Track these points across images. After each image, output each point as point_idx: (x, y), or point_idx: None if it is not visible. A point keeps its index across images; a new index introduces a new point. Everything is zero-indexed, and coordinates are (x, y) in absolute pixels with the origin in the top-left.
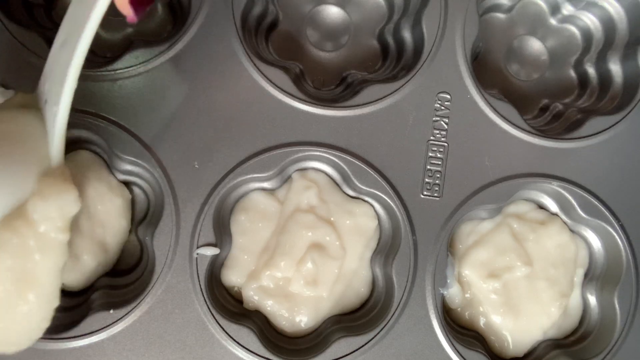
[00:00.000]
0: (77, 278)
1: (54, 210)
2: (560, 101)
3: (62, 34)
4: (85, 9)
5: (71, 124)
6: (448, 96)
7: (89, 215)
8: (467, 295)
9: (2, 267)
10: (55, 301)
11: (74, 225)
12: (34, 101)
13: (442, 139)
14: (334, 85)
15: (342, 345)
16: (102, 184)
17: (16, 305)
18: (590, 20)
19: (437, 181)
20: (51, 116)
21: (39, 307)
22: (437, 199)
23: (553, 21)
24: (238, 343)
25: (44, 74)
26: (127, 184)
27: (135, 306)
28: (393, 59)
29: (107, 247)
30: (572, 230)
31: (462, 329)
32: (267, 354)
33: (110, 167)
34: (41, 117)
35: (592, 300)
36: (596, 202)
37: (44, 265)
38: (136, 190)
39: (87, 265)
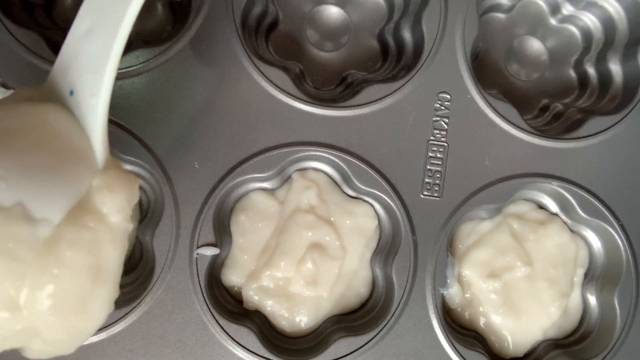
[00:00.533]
0: None
1: (123, 201)
2: (560, 101)
3: (85, 21)
4: None
5: None
6: (448, 96)
7: None
8: (467, 295)
9: (79, 264)
10: (117, 292)
11: None
12: (47, 93)
13: (442, 139)
14: (334, 85)
15: (342, 345)
16: None
17: (91, 299)
18: (590, 20)
19: (437, 181)
20: (89, 107)
21: (108, 299)
22: (437, 199)
23: (553, 21)
24: (238, 343)
25: (61, 64)
26: None
27: (135, 306)
28: (393, 59)
29: None
30: (572, 230)
31: (462, 329)
32: (267, 354)
33: None
34: (64, 109)
35: (592, 300)
36: (596, 202)
37: (115, 256)
38: None
39: None
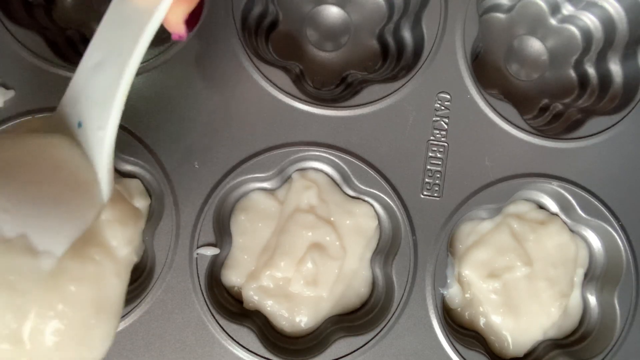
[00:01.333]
0: None
1: (134, 234)
2: (560, 101)
3: (95, 54)
4: (130, 31)
5: None
6: (448, 96)
7: None
8: (467, 295)
9: (84, 299)
10: (119, 322)
11: None
12: (55, 124)
13: (442, 139)
14: (334, 85)
15: (342, 345)
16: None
17: (94, 333)
18: (590, 20)
19: (437, 181)
20: (95, 140)
21: (111, 331)
22: (437, 199)
23: (553, 21)
24: (238, 343)
25: (71, 96)
26: None
27: (135, 306)
28: (393, 59)
29: None
30: (572, 230)
31: (462, 329)
32: (267, 354)
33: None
34: (71, 140)
35: (592, 300)
36: (596, 202)
37: (119, 289)
38: None
39: None
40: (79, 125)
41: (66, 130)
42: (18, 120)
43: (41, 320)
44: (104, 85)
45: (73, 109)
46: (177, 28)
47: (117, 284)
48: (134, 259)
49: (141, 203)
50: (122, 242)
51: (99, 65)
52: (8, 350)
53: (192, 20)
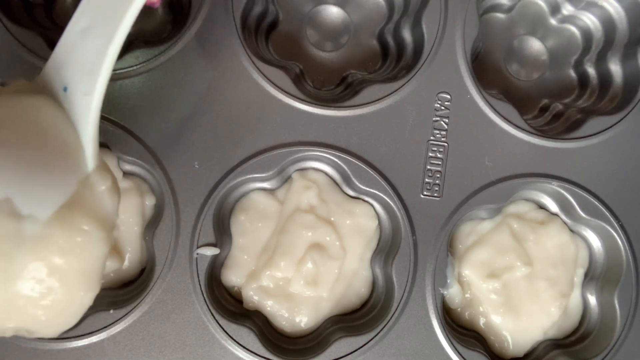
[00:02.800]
0: None
1: (118, 204)
2: (560, 101)
3: (83, 19)
4: None
5: None
6: (448, 96)
7: None
8: (467, 295)
9: (69, 267)
10: (99, 286)
11: None
12: (40, 87)
13: (442, 139)
14: (334, 85)
15: (342, 345)
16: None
17: (76, 297)
18: (590, 20)
19: (437, 181)
20: (81, 105)
21: (92, 296)
22: (437, 199)
23: (553, 21)
24: (238, 343)
25: (56, 60)
26: None
27: (135, 306)
28: (393, 59)
29: (122, 254)
30: (572, 230)
31: (462, 329)
32: (267, 354)
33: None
34: (53, 102)
35: (592, 300)
36: (596, 202)
37: (104, 256)
38: None
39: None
40: (65, 89)
41: (51, 93)
42: (8, 85)
43: (27, 285)
44: (91, 51)
45: (58, 73)
46: None
47: (103, 254)
48: (115, 229)
49: (149, 201)
50: (110, 212)
51: (87, 30)
52: None
53: None
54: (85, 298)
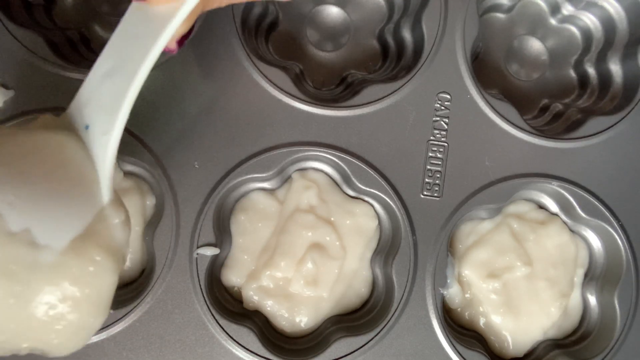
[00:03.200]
0: None
1: (130, 236)
2: (560, 101)
3: (106, 62)
4: (142, 41)
5: None
6: (448, 96)
7: None
8: (467, 295)
9: (80, 296)
10: (108, 313)
11: None
12: (63, 123)
13: (442, 139)
14: (334, 85)
15: (342, 345)
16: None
17: (85, 323)
18: (590, 20)
19: (437, 181)
20: (100, 144)
21: (100, 322)
22: (437, 199)
23: (553, 21)
24: (238, 343)
25: (81, 99)
26: None
27: (135, 306)
28: (393, 59)
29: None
30: (572, 230)
31: (462, 329)
32: (267, 354)
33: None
34: (75, 138)
35: (592, 300)
36: (596, 202)
37: (114, 285)
38: None
39: None
40: (86, 127)
41: (74, 130)
42: (31, 116)
43: (41, 309)
44: (112, 93)
45: (81, 112)
46: (170, 45)
47: (113, 283)
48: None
49: (149, 201)
50: (122, 244)
51: (109, 73)
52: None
53: (183, 39)
54: (95, 323)
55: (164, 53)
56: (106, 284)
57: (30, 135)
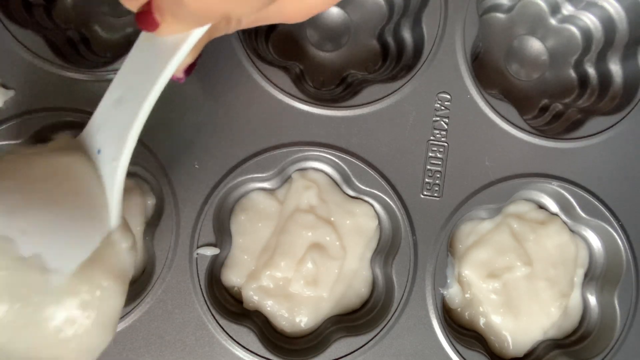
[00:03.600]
0: None
1: (136, 258)
2: (560, 101)
3: (117, 90)
4: (147, 75)
5: (71, 124)
6: (448, 96)
7: None
8: (467, 295)
9: (87, 319)
10: (115, 332)
11: None
12: (77, 146)
13: (442, 139)
14: (334, 85)
15: (342, 345)
16: None
17: (92, 343)
18: (590, 20)
19: (437, 181)
20: (110, 169)
21: (107, 341)
22: (437, 199)
23: (553, 21)
24: (238, 343)
25: (94, 124)
26: None
27: (135, 306)
28: (393, 59)
29: None
30: (572, 230)
31: (462, 329)
32: (267, 354)
33: None
34: (88, 162)
35: (592, 300)
36: (596, 202)
37: (121, 306)
38: None
39: None
40: (98, 152)
41: (88, 153)
42: (52, 142)
43: (50, 331)
44: (120, 121)
45: (94, 136)
46: (177, 73)
47: (120, 305)
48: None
49: (149, 201)
50: (128, 268)
51: (119, 101)
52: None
53: (190, 68)
54: (102, 344)
55: (171, 81)
56: (113, 307)
57: (47, 159)
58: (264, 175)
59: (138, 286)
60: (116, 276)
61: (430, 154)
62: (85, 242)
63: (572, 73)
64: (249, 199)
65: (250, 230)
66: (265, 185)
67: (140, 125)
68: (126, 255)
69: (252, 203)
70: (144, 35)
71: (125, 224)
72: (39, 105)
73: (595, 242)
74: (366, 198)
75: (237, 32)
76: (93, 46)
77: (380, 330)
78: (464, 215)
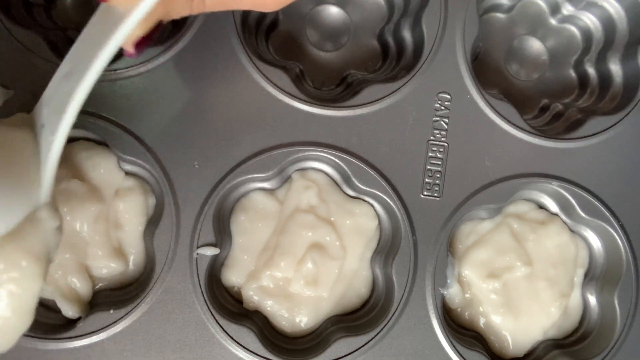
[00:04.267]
0: (88, 290)
1: (60, 240)
2: (560, 101)
3: (67, 65)
4: (94, 46)
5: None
6: (448, 96)
7: (106, 217)
8: (467, 295)
9: (3, 301)
10: (33, 316)
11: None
12: (30, 121)
13: (442, 139)
14: (334, 85)
15: (342, 345)
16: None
17: (8, 327)
18: (590, 20)
19: (437, 181)
20: (46, 144)
21: (25, 326)
22: (437, 199)
23: (553, 21)
24: (238, 343)
25: (43, 98)
26: None
27: (135, 306)
28: (393, 59)
29: (126, 256)
30: (572, 230)
31: (462, 329)
32: (267, 354)
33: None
34: (34, 138)
35: (592, 300)
36: (596, 202)
37: (38, 290)
38: None
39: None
40: (42, 127)
41: (35, 128)
42: (10, 117)
43: None
44: (63, 95)
45: (41, 112)
46: (127, 47)
47: (38, 288)
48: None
49: (150, 201)
50: (51, 250)
51: (67, 75)
52: None
53: (142, 43)
54: (17, 328)
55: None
56: (30, 289)
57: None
58: (264, 175)
59: (138, 286)
60: (37, 257)
61: (430, 154)
62: (5, 214)
63: (572, 73)
64: (249, 199)
65: (250, 230)
66: (265, 185)
67: (80, 98)
68: (50, 236)
69: (252, 203)
70: (99, 10)
71: (54, 204)
72: None
73: (595, 242)
74: (366, 198)
75: (237, 31)
76: None
77: (380, 330)
78: (464, 215)
